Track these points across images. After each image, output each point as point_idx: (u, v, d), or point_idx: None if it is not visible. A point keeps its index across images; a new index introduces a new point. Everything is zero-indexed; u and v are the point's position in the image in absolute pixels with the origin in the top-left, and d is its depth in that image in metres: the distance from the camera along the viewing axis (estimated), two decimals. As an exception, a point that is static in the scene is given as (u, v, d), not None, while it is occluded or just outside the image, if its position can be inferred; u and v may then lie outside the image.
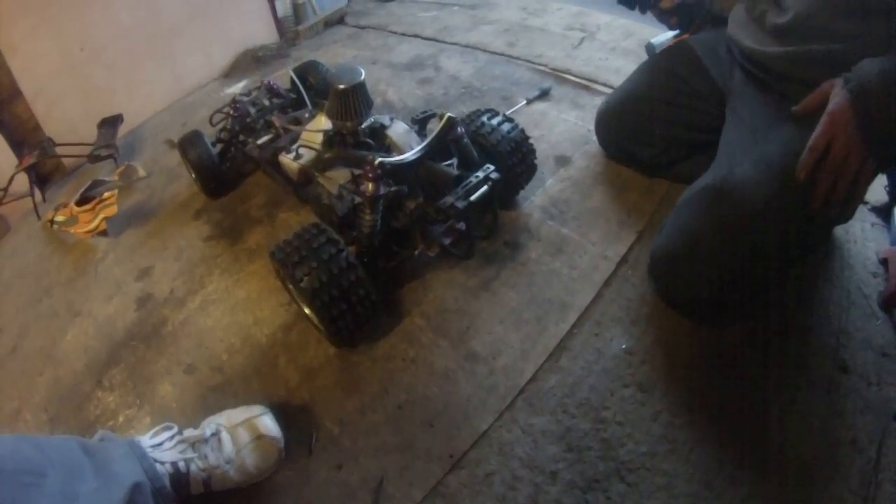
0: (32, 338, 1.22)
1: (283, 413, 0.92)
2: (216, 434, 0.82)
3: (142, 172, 1.58)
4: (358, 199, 0.97)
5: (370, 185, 0.91)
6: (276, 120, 1.31)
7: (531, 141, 1.18)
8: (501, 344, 0.99)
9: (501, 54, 1.88)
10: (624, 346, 0.96)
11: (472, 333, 1.01)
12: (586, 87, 1.64)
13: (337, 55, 2.08)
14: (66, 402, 1.06)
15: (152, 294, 1.22)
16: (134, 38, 1.79)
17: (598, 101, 1.39)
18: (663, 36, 1.42)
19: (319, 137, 1.15)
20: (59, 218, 1.43)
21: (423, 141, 1.03)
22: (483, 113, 1.17)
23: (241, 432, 0.84)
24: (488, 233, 1.12)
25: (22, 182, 1.56)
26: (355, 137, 1.11)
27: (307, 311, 1.02)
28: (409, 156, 0.97)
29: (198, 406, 0.98)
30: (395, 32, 2.17)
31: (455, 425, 0.89)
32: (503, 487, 0.81)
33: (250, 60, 2.09)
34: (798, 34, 0.90)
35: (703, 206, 0.88)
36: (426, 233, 1.02)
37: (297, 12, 2.25)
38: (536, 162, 1.21)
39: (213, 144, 1.41)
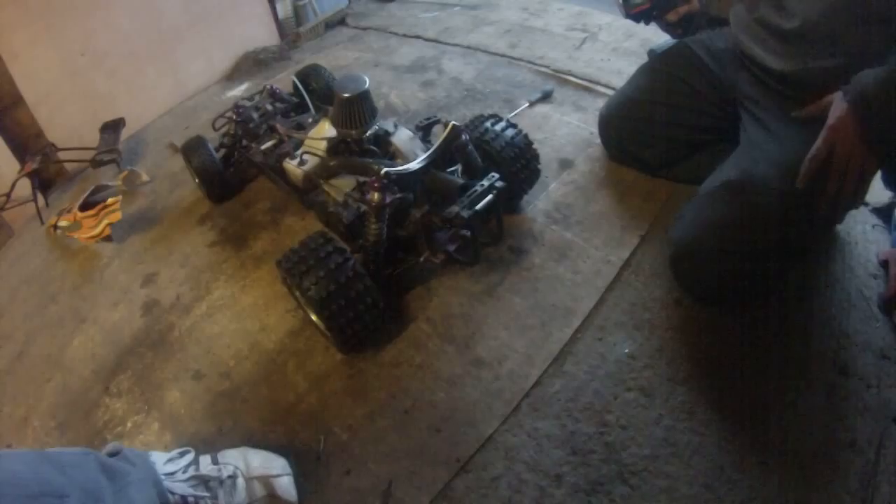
0: (39, 344, 1.23)
1: (291, 419, 0.93)
2: (233, 477, 0.80)
3: (145, 177, 1.58)
4: (364, 208, 0.98)
5: (376, 195, 0.92)
6: (280, 127, 1.31)
7: (534, 146, 1.19)
8: (506, 349, 1.00)
9: (503, 56, 1.88)
10: (627, 351, 0.97)
11: (478, 339, 1.02)
12: (588, 89, 1.64)
13: (339, 57, 2.08)
14: (74, 408, 1.07)
15: (158, 300, 1.23)
16: (135, 43, 1.80)
17: (601, 103, 1.40)
18: (665, 40, 1.42)
19: (323, 144, 1.15)
20: (63, 223, 1.43)
21: (427, 147, 1.04)
22: (486, 118, 1.17)
23: (256, 486, 0.82)
24: (493, 239, 1.13)
25: (24, 187, 1.57)
26: (360, 145, 1.11)
27: (314, 318, 1.03)
28: (414, 165, 0.98)
29: (207, 412, 0.99)
30: (397, 34, 2.17)
31: (461, 430, 0.90)
32: (509, 491, 0.83)
33: (251, 63, 2.09)
34: (805, 40, 0.93)
35: (726, 199, 0.93)
36: (431, 240, 1.03)
37: (298, 14, 2.25)
38: (540, 166, 1.22)
39: (217, 150, 1.42)
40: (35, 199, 1.57)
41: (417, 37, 2.12)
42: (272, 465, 0.84)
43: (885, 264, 1.07)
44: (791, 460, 0.82)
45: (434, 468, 0.86)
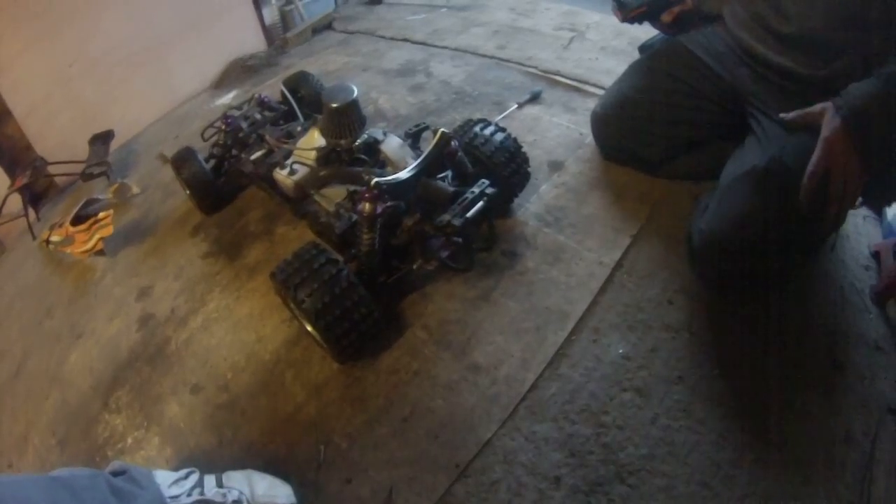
0: (36, 360, 1.23)
1: (291, 429, 0.93)
2: (237, 502, 0.80)
3: (136, 189, 1.58)
4: (355, 218, 0.99)
5: (367, 206, 0.92)
6: (269, 137, 1.31)
7: (524, 148, 1.19)
8: (502, 354, 1.01)
9: (492, 57, 1.88)
10: (622, 352, 0.98)
11: (474, 344, 1.03)
12: (577, 90, 1.65)
13: (327, 62, 2.07)
14: (74, 424, 1.07)
15: (153, 314, 1.23)
16: (123, 52, 1.79)
17: (591, 104, 1.40)
18: (655, 34, 1.42)
19: (313, 153, 1.15)
20: (55, 238, 1.43)
21: (417, 154, 1.04)
22: (475, 123, 1.17)
23: None
24: (486, 244, 1.14)
25: (15, 202, 1.56)
26: (350, 154, 1.11)
27: (310, 329, 1.03)
28: (404, 174, 0.98)
29: (207, 425, 1.00)
30: (385, 37, 2.17)
31: (460, 435, 0.91)
32: (509, 494, 0.84)
33: (240, 70, 2.09)
34: (801, 43, 0.94)
35: (757, 186, 0.92)
36: (424, 247, 1.04)
37: (285, 19, 2.24)
38: (530, 169, 1.22)
39: (207, 160, 1.41)
40: (26, 214, 1.56)
41: (406, 40, 2.11)
42: (277, 493, 0.84)
43: (876, 256, 1.08)
44: (788, 455, 0.83)
45: (434, 474, 0.87)
